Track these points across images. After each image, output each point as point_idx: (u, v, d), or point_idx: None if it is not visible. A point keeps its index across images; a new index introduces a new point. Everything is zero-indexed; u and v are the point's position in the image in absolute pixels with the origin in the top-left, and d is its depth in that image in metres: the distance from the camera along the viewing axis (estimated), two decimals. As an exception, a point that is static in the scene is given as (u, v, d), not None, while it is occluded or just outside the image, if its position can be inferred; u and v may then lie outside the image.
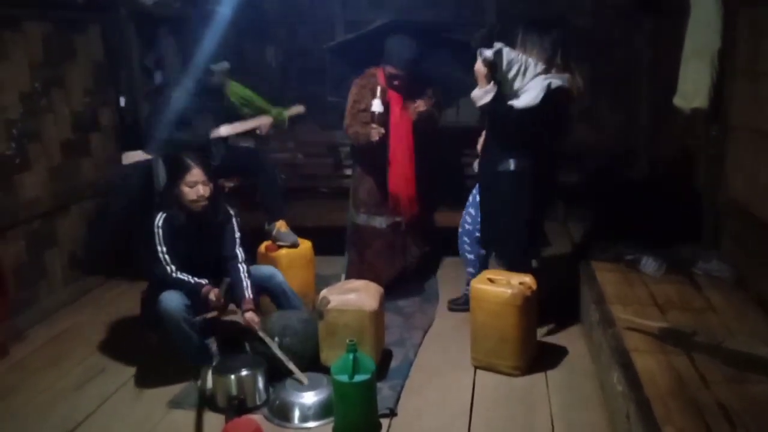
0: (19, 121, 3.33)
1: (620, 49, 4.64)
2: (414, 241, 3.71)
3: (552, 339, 3.10)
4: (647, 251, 3.14)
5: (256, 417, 2.48)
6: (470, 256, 3.34)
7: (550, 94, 2.77)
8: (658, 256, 3.08)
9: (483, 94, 2.89)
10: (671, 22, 3.69)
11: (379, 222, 3.63)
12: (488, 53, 2.80)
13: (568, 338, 3.10)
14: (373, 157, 3.54)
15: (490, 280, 2.83)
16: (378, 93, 3.36)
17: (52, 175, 3.58)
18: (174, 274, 2.72)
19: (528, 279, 2.84)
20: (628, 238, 3.33)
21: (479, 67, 2.87)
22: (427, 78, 3.52)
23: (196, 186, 2.74)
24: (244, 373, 2.55)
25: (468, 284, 3.18)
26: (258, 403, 2.58)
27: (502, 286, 2.77)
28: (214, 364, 2.70)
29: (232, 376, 2.53)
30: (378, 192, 3.60)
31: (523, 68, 2.81)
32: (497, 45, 2.81)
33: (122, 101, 4.11)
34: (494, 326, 2.76)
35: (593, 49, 4.64)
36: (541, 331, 3.05)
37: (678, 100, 3.27)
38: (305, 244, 3.53)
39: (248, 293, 2.80)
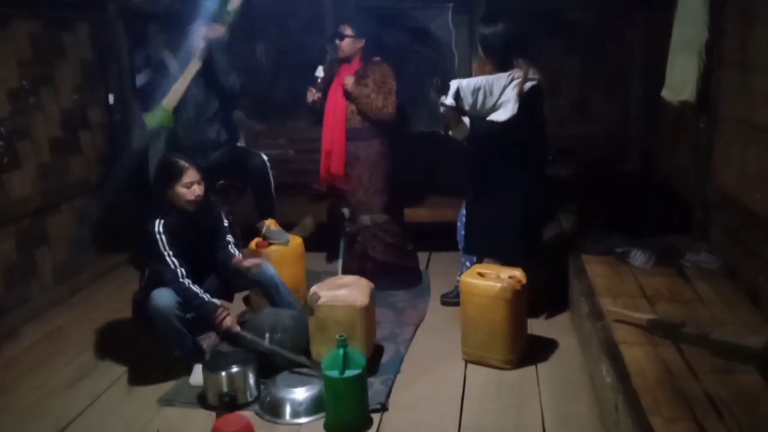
0: (7, 119, 3.33)
1: (612, 43, 4.63)
2: (375, 241, 3.65)
3: (542, 332, 3.11)
4: (637, 244, 3.15)
5: (247, 413, 2.48)
6: None
7: (525, 96, 2.86)
8: (647, 249, 3.09)
9: (461, 131, 3.04)
10: (663, 14, 3.68)
11: (345, 212, 3.68)
12: (447, 101, 2.90)
13: (559, 331, 3.11)
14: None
15: (480, 274, 2.84)
16: (326, 62, 3.56)
17: (42, 173, 3.57)
18: (184, 281, 2.66)
19: (518, 273, 2.85)
20: (618, 231, 3.33)
21: (447, 111, 2.97)
22: (382, 60, 3.57)
23: (192, 186, 2.73)
24: (234, 369, 2.55)
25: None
26: (249, 399, 2.58)
27: (491, 280, 2.78)
28: (205, 360, 2.70)
29: (223, 373, 2.53)
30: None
31: (488, 88, 2.90)
32: (453, 84, 2.91)
33: (111, 99, 4.10)
34: (484, 320, 2.77)
35: (585, 42, 4.65)
36: (531, 324, 3.06)
37: (666, 93, 3.28)
38: (296, 240, 3.53)
39: (237, 254, 2.92)
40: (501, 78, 2.92)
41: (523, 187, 3.04)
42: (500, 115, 2.90)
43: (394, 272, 3.69)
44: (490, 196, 3.10)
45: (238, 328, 2.71)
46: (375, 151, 3.56)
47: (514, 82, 2.90)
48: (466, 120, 3.05)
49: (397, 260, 3.71)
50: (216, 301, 2.74)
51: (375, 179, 3.58)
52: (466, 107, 2.94)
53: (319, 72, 3.56)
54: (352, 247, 3.71)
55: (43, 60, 3.60)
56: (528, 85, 2.90)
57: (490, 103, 2.92)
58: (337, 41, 3.51)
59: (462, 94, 2.90)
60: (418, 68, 3.17)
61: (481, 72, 3.01)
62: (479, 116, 2.97)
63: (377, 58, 3.54)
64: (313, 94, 3.55)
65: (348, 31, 3.49)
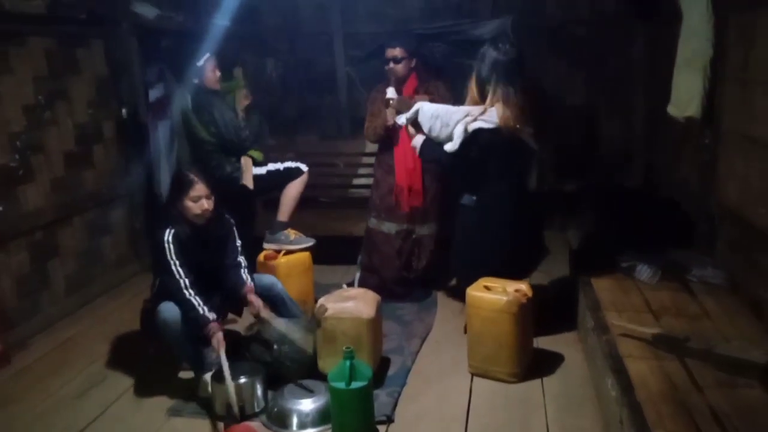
0: (22, 133, 3.39)
1: (616, 57, 4.68)
2: (423, 251, 3.74)
3: (548, 345, 3.12)
4: (642, 258, 3.16)
5: (255, 424, 2.52)
6: None
7: (468, 138, 2.92)
8: (653, 263, 3.10)
9: (417, 144, 3.17)
10: (667, 29, 3.72)
11: (388, 228, 3.72)
12: (400, 120, 3.16)
13: (564, 345, 3.12)
14: (390, 163, 3.66)
15: (486, 288, 2.86)
16: (391, 82, 3.55)
17: (55, 187, 3.63)
18: (186, 292, 2.66)
19: (524, 286, 2.87)
20: (624, 245, 3.35)
21: (406, 128, 3.23)
22: (435, 75, 3.63)
23: (200, 200, 2.76)
24: (242, 380, 2.58)
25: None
26: (257, 410, 2.61)
27: (497, 294, 2.80)
28: (212, 372, 2.73)
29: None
30: (390, 197, 3.70)
31: (445, 119, 2.97)
32: (416, 106, 3.07)
33: (124, 113, 4.17)
34: (490, 333, 2.79)
35: (589, 56, 4.70)
36: (537, 338, 3.07)
37: (671, 109, 3.31)
38: (303, 252, 3.57)
39: (249, 282, 2.92)
40: (459, 111, 2.97)
41: (483, 218, 3.06)
42: (448, 147, 2.98)
43: (408, 290, 3.75)
44: (459, 222, 3.20)
45: (222, 351, 2.62)
46: None
47: (466, 120, 2.92)
48: (419, 140, 3.14)
49: (435, 269, 3.77)
50: (210, 315, 2.67)
51: (439, 189, 3.68)
52: (424, 130, 3.06)
53: (392, 93, 3.50)
54: (372, 262, 3.76)
55: (58, 75, 3.66)
56: (473, 126, 2.90)
57: (445, 133, 2.98)
58: (392, 65, 3.51)
59: (420, 118, 3.04)
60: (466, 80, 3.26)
61: (469, 93, 3.06)
62: (438, 142, 3.06)
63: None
64: (393, 114, 3.45)
65: (400, 53, 3.50)
